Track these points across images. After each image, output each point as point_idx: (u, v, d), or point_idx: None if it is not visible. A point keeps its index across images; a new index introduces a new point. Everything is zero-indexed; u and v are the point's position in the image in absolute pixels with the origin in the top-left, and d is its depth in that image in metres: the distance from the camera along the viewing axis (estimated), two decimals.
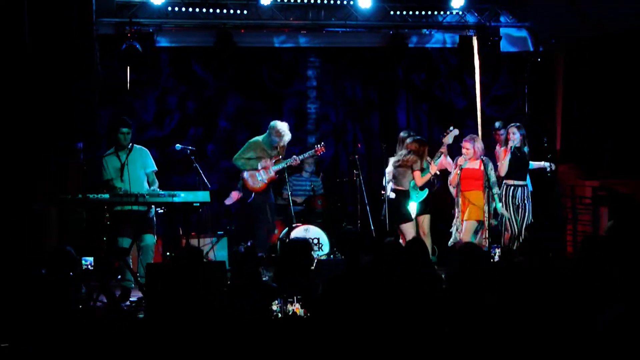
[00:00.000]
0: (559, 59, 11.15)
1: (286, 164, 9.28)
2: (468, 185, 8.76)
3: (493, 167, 8.77)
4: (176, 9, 10.02)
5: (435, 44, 11.38)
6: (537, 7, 10.61)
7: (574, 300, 5.11)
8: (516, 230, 8.68)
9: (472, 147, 8.76)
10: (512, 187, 8.80)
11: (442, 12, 10.78)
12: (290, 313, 4.72)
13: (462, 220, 8.70)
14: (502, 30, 10.93)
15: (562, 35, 10.83)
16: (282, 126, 9.23)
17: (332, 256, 8.90)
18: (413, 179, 8.78)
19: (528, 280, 5.43)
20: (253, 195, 9.30)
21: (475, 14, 10.87)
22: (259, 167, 9.19)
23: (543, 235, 7.02)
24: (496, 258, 7.79)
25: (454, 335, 4.67)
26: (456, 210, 8.83)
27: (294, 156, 9.39)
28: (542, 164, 9.60)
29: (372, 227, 8.61)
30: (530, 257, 6.24)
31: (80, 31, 7.79)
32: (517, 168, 8.82)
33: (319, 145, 9.62)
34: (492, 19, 10.88)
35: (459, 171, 8.76)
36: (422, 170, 8.79)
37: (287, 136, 9.29)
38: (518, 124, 9.00)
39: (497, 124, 10.08)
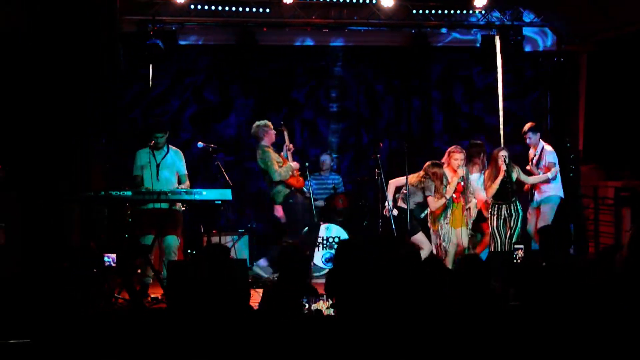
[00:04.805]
0: (582, 58, 11.09)
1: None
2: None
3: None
4: (199, 6, 10.05)
5: (457, 43, 11.33)
6: (561, 7, 10.54)
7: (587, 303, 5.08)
8: (500, 242, 8.59)
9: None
10: (497, 205, 8.68)
11: (464, 11, 10.74)
12: (314, 311, 4.70)
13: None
14: (525, 30, 10.87)
15: (586, 35, 10.76)
16: (268, 122, 8.92)
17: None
18: (426, 203, 8.60)
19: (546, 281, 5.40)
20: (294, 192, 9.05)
21: (498, 13, 10.81)
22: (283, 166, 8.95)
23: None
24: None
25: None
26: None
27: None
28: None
29: (394, 227, 8.54)
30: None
31: (104, 29, 7.83)
32: (502, 190, 8.62)
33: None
34: (515, 18, 10.82)
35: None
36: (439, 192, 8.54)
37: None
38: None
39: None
